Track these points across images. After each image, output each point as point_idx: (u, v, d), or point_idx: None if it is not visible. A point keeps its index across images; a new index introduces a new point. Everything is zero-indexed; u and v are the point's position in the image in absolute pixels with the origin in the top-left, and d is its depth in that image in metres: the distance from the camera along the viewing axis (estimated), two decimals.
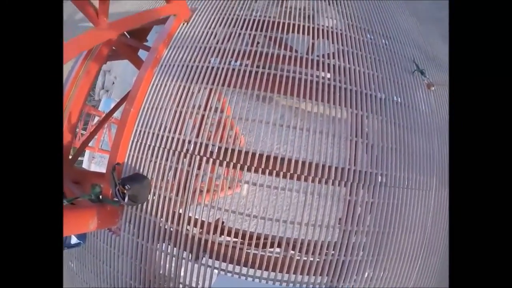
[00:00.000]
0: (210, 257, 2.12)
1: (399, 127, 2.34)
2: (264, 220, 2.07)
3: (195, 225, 2.13)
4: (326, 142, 2.11)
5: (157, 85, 2.37)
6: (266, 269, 2.06)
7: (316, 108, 2.20)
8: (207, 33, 2.58)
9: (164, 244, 2.17)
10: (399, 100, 2.46)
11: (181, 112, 2.22)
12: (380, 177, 2.16)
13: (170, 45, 2.53)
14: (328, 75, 2.32)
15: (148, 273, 2.24)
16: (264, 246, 2.05)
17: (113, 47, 3.01)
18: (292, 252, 2.05)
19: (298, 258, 2.05)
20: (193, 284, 2.14)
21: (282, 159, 2.05)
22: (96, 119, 8.84)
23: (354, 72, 2.38)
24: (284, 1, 2.89)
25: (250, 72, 2.27)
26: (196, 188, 2.17)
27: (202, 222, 2.11)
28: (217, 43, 2.50)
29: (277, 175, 2.04)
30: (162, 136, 2.20)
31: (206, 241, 2.10)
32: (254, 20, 2.58)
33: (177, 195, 2.12)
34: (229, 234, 2.08)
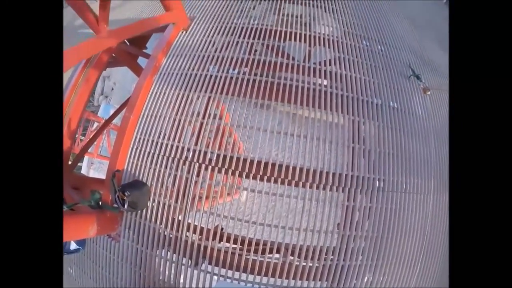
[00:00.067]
0: (210, 263, 2.12)
1: (396, 132, 2.37)
2: (263, 226, 2.08)
3: (194, 232, 2.13)
4: (324, 148, 2.14)
5: (156, 93, 2.40)
6: (266, 275, 2.06)
7: (313, 114, 2.23)
8: (206, 41, 2.62)
9: (163, 250, 2.18)
10: (396, 105, 2.49)
11: (180, 120, 2.25)
12: (378, 182, 2.17)
13: (169, 54, 2.57)
14: (325, 82, 2.35)
15: (148, 279, 2.24)
16: (263, 252, 2.05)
17: (113, 54, 3.05)
18: (291, 257, 2.06)
19: (297, 263, 2.05)
20: None
21: (280, 166, 2.07)
22: (95, 124, 8.86)
23: (351, 79, 2.42)
24: (281, 9, 2.94)
25: (248, 80, 2.30)
26: (195, 195, 2.19)
27: (202, 228, 2.12)
28: (215, 51, 2.53)
29: (275, 181, 2.06)
30: (162, 144, 2.22)
31: (206, 247, 2.11)
32: (251, 29, 2.62)
33: (176, 201, 2.13)
34: (228, 240, 2.09)
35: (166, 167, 2.17)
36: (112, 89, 9.73)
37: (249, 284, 2.07)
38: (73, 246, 2.13)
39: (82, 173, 8.64)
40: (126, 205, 1.98)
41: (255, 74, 2.33)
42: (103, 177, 2.41)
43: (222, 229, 2.12)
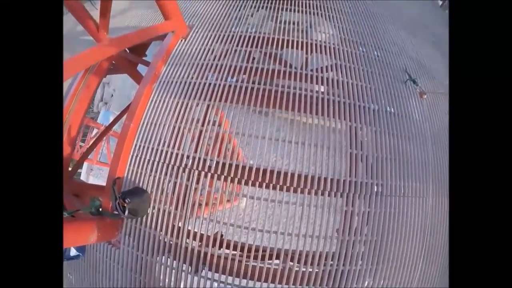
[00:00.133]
0: (210, 269, 2.12)
1: (393, 137, 2.39)
2: (263, 232, 2.09)
3: (194, 238, 2.14)
4: (322, 155, 2.16)
5: (156, 101, 2.43)
6: (266, 280, 2.07)
7: (311, 120, 2.26)
8: (204, 49, 2.66)
9: (164, 257, 2.18)
10: (392, 110, 2.52)
11: (179, 128, 2.28)
12: (376, 186, 2.19)
13: (168, 62, 2.60)
14: (322, 89, 2.38)
15: (148, 286, 2.24)
16: (263, 258, 2.06)
17: (113, 62, 3.09)
18: (291, 263, 2.06)
19: (297, 269, 2.06)
20: None
21: (279, 173, 2.10)
22: (95, 131, 8.87)
23: (348, 85, 2.45)
24: (279, 16, 2.99)
25: (246, 88, 2.33)
26: (195, 202, 2.20)
27: (202, 235, 2.13)
28: (214, 59, 2.57)
29: (274, 188, 2.08)
30: (161, 151, 2.24)
31: (206, 253, 2.11)
32: (249, 37, 2.67)
33: (176, 208, 2.14)
34: (228, 247, 2.10)
35: (166, 174, 2.19)
36: (112, 95, 9.76)
37: None
38: (73, 252, 2.14)
39: (81, 179, 8.64)
40: (126, 212, 1.99)
41: (253, 82, 2.36)
42: (103, 183, 2.42)
43: (222, 235, 2.13)
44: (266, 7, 3.14)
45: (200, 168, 2.14)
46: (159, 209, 2.17)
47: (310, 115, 2.26)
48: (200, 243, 2.14)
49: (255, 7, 3.16)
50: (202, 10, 3.17)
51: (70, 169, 3.05)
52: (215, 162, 2.14)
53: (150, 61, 2.77)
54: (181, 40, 2.75)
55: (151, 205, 2.18)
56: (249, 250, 2.05)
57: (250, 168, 2.11)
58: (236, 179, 2.09)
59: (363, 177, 2.17)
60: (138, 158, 2.29)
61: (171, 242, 2.15)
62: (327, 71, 2.50)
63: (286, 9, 3.11)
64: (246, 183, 2.08)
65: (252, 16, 3.06)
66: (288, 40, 2.67)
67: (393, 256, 2.22)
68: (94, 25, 2.64)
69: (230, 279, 2.11)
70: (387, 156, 2.29)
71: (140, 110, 2.37)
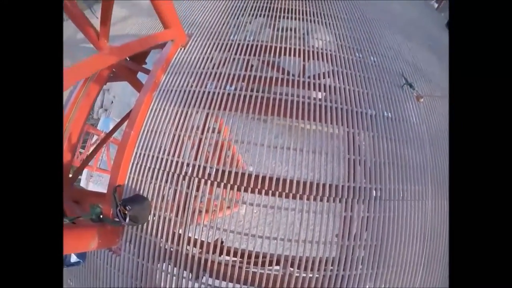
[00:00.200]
0: (210, 276, 2.12)
1: (391, 141, 2.41)
2: (263, 238, 2.10)
3: (195, 245, 2.15)
4: (320, 161, 2.18)
5: (156, 109, 2.46)
6: (266, 287, 2.06)
7: (309, 126, 2.28)
8: (203, 58, 2.70)
9: (164, 264, 2.18)
10: (390, 115, 2.55)
11: (179, 136, 2.30)
12: (374, 191, 2.20)
13: (168, 70, 2.64)
14: (320, 95, 2.42)
15: None
16: (264, 264, 2.07)
17: (113, 69, 3.13)
18: (292, 269, 2.07)
19: (297, 275, 2.07)
20: None
21: (278, 179, 2.12)
22: (95, 137, 8.90)
23: (345, 91, 2.49)
24: (277, 23, 3.04)
25: (245, 96, 2.37)
26: (196, 209, 2.21)
27: (202, 242, 2.14)
28: (212, 68, 2.61)
29: (273, 194, 2.10)
30: (162, 159, 2.26)
31: (206, 260, 2.12)
32: (247, 45, 2.71)
33: (176, 216, 2.16)
34: (228, 253, 2.10)
35: (166, 181, 2.21)
36: (112, 102, 9.80)
37: None
38: (73, 258, 2.15)
39: (81, 186, 8.64)
40: (127, 219, 2.00)
41: (252, 90, 2.39)
42: (102, 190, 2.43)
43: (222, 242, 2.14)
44: (264, 15, 3.20)
45: (200, 176, 2.16)
46: (159, 216, 2.18)
47: (308, 122, 2.28)
48: (200, 250, 2.15)
49: (253, 15, 3.21)
50: (201, 19, 3.22)
51: (70, 175, 3.07)
52: (214, 169, 2.16)
53: (149, 68, 2.80)
54: (181, 49, 2.79)
55: (152, 212, 2.19)
56: (250, 257, 2.06)
57: (250, 175, 2.13)
58: (236, 186, 2.11)
59: (361, 182, 2.19)
60: (138, 165, 2.31)
61: (171, 249, 2.16)
62: (324, 78, 2.54)
63: (284, 17, 3.16)
64: (246, 190, 2.10)
65: (250, 23, 3.10)
66: (285, 48, 2.71)
67: (394, 260, 2.22)
68: (95, 33, 2.68)
69: (230, 285, 2.11)
70: (385, 161, 2.31)
71: (140, 118, 2.40)
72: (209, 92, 2.43)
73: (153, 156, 2.29)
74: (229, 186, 2.11)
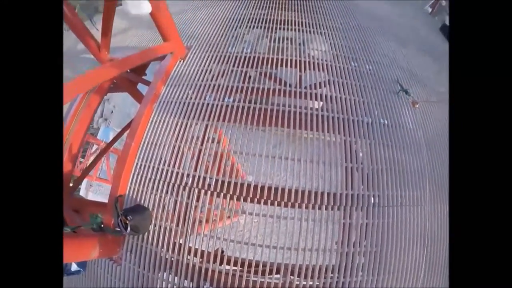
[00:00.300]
0: (211, 285, 2.13)
1: (388, 148, 2.44)
2: (263, 247, 2.11)
3: (195, 255, 2.16)
4: (318, 169, 2.21)
5: (156, 121, 2.50)
6: None
7: (306, 136, 2.32)
8: (202, 70, 2.75)
9: (165, 273, 2.19)
10: (386, 122, 2.58)
11: (179, 147, 2.34)
12: (373, 198, 2.22)
13: (168, 83, 2.69)
14: (317, 105, 2.46)
15: None
16: (264, 273, 2.08)
17: (114, 81, 3.18)
18: (292, 277, 2.08)
19: (298, 283, 2.07)
20: None
21: (277, 189, 2.14)
22: (95, 146, 8.92)
23: (341, 100, 2.54)
24: (273, 35, 3.11)
25: (243, 107, 2.42)
26: (196, 219, 2.23)
27: (202, 251, 2.15)
28: (211, 80, 2.66)
29: (273, 204, 2.12)
30: (162, 170, 2.30)
31: (207, 270, 2.13)
32: (245, 57, 2.77)
33: (177, 225, 2.17)
34: (229, 263, 2.11)
35: (166, 192, 2.24)
36: (112, 112, 9.84)
37: None
38: (74, 267, 2.16)
39: (81, 195, 8.62)
40: (128, 229, 2.02)
41: (250, 101, 2.44)
42: (102, 199, 2.45)
43: (222, 251, 2.16)
44: (261, 26, 3.27)
45: (200, 186, 2.19)
46: (160, 226, 2.20)
47: (305, 131, 2.32)
48: (201, 260, 2.16)
49: (251, 26, 3.29)
50: (200, 31, 3.29)
51: (71, 185, 3.09)
52: (214, 180, 2.19)
53: (149, 80, 2.85)
54: (180, 61, 2.86)
55: (152, 222, 2.21)
56: (250, 266, 2.07)
57: (249, 185, 2.16)
58: (236, 196, 2.14)
59: (359, 189, 2.21)
60: (139, 176, 2.34)
61: (172, 259, 2.17)
62: (320, 88, 2.59)
63: (280, 28, 3.23)
64: (246, 200, 2.13)
65: (248, 33, 3.17)
66: (282, 59, 2.77)
67: (394, 266, 2.23)
68: (96, 44, 2.74)
69: None
70: (382, 167, 2.33)
71: (141, 129, 2.43)
72: (208, 104, 2.48)
73: (153, 167, 2.32)
74: (228, 196, 2.14)
